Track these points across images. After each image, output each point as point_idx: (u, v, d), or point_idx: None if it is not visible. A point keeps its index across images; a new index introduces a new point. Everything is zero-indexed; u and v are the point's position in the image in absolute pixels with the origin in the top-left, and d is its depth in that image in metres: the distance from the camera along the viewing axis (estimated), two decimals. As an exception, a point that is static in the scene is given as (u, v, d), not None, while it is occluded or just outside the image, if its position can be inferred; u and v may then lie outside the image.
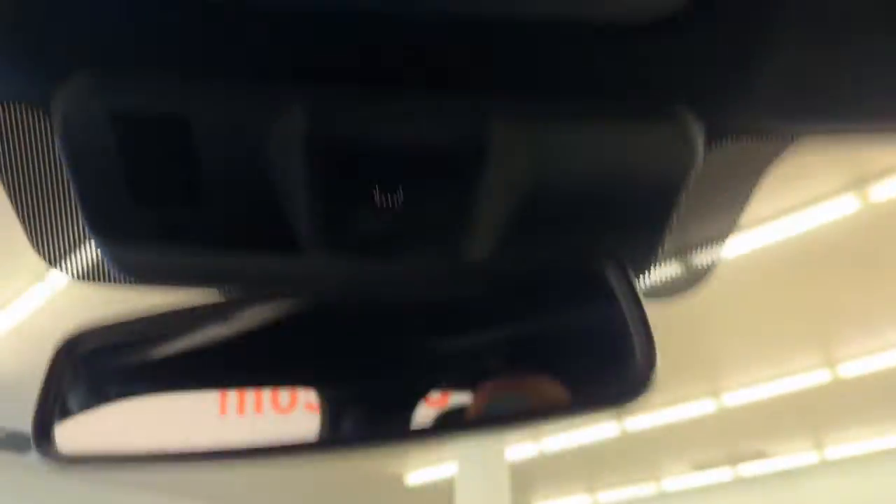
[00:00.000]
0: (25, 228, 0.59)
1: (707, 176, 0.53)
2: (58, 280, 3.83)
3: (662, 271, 0.61)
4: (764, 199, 0.61)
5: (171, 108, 0.47)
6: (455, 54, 0.47)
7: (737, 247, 3.55)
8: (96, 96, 0.46)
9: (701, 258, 0.65)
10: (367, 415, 0.58)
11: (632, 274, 0.51)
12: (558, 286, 0.54)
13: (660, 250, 0.56)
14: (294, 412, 0.58)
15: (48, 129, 0.52)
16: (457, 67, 0.47)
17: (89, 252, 0.59)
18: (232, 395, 0.58)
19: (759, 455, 6.18)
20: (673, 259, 0.62)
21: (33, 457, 0.55)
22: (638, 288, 0.50)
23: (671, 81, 0.49)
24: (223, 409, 0.58)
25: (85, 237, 0.57)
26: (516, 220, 0.52)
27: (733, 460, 6.27)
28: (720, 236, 0.65)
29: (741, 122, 0.53)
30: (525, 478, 6.05)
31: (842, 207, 3.52)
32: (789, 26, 0.46)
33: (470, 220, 0.52)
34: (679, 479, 6.64)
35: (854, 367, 4.87)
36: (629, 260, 0.52)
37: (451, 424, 0.56)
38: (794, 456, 6.19)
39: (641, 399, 0.48)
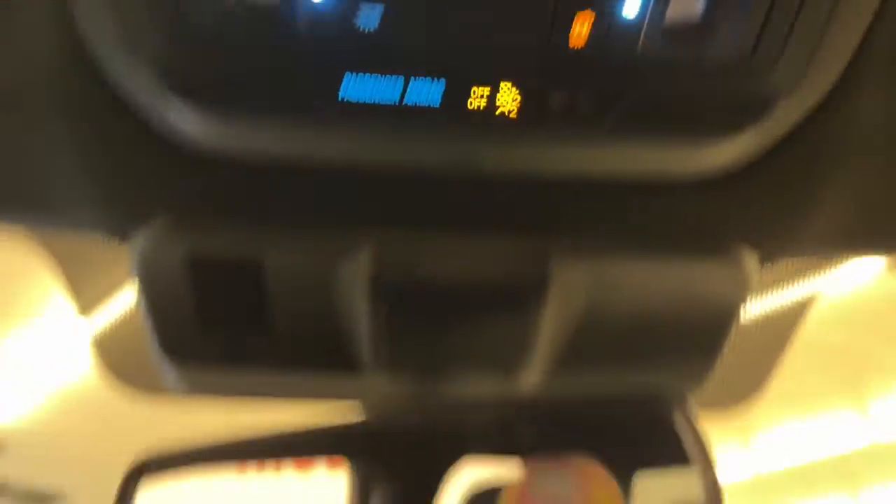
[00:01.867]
0: None
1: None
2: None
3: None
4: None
5: (244, 252, 0.50)
6: (521, 205, 0.49)
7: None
8: (174, 241, 0.49)
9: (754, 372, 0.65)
10: None
11: (693, 413, 0.51)
12: (615, 418, 0.55)
13: (712, 373, 0.57)
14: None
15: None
16: (522, 215, 0.49)
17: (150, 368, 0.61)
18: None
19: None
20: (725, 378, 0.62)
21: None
22: (700, 429, 0.50)
23: (730, 224, 0.50)
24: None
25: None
26: (573, 352, 0.54)
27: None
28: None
29: (798, 249, 0.54)
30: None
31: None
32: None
33: (526, 350, 0.53)
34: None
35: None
36: (685, 381, 0.53)
37: None
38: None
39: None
